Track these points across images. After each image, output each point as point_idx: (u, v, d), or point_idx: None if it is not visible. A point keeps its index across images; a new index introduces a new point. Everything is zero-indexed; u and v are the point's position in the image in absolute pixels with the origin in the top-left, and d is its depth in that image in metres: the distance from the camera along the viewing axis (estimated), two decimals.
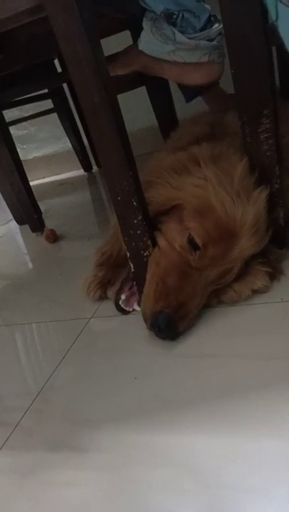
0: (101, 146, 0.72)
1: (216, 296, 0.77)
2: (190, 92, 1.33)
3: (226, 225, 0.69)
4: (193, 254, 0.71)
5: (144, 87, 1.54)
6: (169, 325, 0.68)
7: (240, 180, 0.73)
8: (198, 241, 0.70)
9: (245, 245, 0.70)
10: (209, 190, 0.71)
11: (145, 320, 0.72)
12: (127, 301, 0.83)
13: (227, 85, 0.89)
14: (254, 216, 0.70)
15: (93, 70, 0.66)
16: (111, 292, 0.87)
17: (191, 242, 0.71)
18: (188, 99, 1.36)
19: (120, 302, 0.82)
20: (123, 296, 0.82)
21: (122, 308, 0.82)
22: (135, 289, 0.82)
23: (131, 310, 0.83)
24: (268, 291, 0.76)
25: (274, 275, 0.78)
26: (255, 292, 0.76)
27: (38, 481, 0.55)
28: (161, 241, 0.76)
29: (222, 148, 0.80)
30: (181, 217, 0.74)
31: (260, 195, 0.72)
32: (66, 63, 0.68)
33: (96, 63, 0.66)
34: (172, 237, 0.74)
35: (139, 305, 0.82)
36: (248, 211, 0.70)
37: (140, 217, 0.75)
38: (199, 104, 1.33)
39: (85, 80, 0.67)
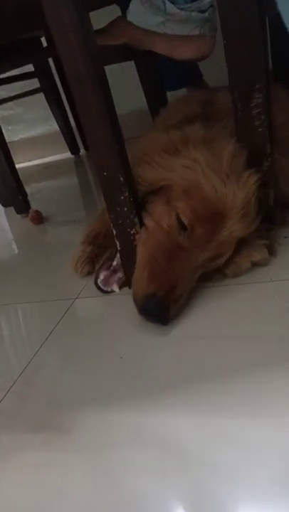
0: (87, 118, 0.69)
1: (218, 271, 0.75)
2: (174, 81, 1.32)
3: (215, 205, 0.68)
4: (182, 234, 0.69)
5: (134, 70, 1.50)
6: (161, 309, 0.66)
7: (229, 161, 0.71)
8: (185, 220, 0.68)
9: (234, 227, 0.69)
10: (198, 172, 0.69)
11: (136, 302, 0.69)
12: (106, 280, 0.81)
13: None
14: (244, 198, 0.69)
15: (80, 38, 0.63)
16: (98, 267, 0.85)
17: (178, 221, 0.69)
18: (170, 88, 1.36)
19: (99, 282, 0.80)
20: (101, 276, 0.81)
21: (101, 288, 0.80)
22: (115, 268, 0.80)
23: (110, 290, 0.80)
24: (267, 265, 0.76)
25: (272, 248, 0.77)
26: (255, 265, 0.76)
27: (19, 462, 0.53)
28: (149, 221, 0.74)
29: (216, 132, 0.78)
30: (169, 197, 0.73)
31: (251, 177, 0.71)
32: (52, 31, 0.65)
33: (83, 32, 0.63)
34: (160, 216, 0.72)
35: (119, 286, 0.80)
36: (238, 192, 0.68)
37: (127, 194, 0.72)
38: None
39: (71, 48, 0.64)
